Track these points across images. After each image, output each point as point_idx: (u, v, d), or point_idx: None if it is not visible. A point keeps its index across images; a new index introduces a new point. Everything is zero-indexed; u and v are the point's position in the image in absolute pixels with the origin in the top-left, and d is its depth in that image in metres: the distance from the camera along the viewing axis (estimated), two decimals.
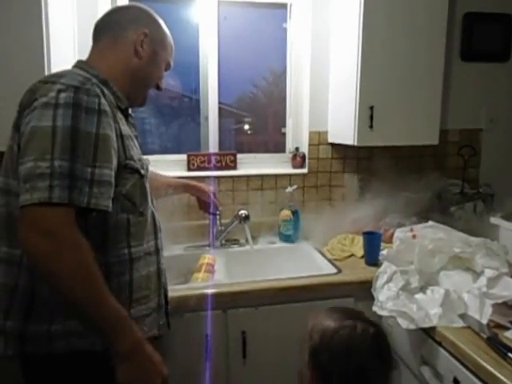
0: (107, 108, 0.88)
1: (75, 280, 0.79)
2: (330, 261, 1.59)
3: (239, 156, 1.90)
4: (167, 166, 1.79)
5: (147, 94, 1.10)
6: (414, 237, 1.38)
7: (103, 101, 0.87)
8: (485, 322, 1.06)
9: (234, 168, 1.88)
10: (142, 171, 0.99)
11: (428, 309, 1.14)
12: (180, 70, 1.82)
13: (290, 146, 1.99)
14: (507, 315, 1.08)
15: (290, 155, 1.96)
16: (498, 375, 0.89)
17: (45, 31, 1.34)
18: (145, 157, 1.08)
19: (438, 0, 1.64)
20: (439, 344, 1.09)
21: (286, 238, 1.80)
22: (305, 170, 1.93)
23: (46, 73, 1.32)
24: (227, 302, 1.33)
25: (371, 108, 1.61)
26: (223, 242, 1.77)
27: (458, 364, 1.01)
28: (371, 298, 1.27)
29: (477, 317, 1.08)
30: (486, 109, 2.02)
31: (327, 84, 1.87)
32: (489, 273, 1.15)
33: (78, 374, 0.90)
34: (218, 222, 1.74)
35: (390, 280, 1.26)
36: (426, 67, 1.66)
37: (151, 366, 0.88)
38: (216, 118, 1.90)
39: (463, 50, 1.96)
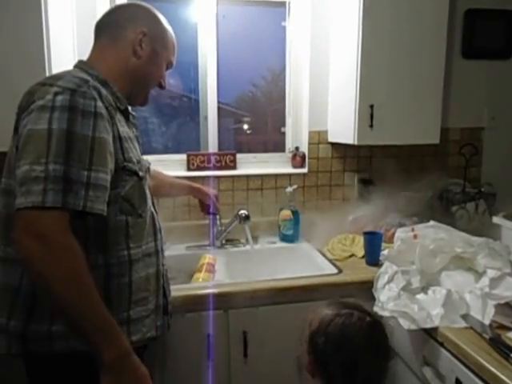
0: (103, 111, 0.87)
1: (65, 284, 0.78)
2: (330, 261, 1.59)
3: (239, 156, 1.89)
4: (167, 166, 1.79)
5: (149, 94, 1.10)
6: (415, 237, 1.37)
7: (99, 104, 0.86)
8: (487, 322, 1.05)
9: (234, 168, 1.87)
10: (141, 173, 0.98)
11: (430, 309, 1.13)
12: (179, 70, 1.82)
13: (289, 145, 1.98)
14: (510, 316, 1.07)
15: (290, 155, 1.95)
16: (501, 376, 0.88)
17: (45, 31, 1.34)
18: (144, 157, 1.08)
19: None
20: (441, 345, 1.08)
21: (286, 238, 1.80)
22: (305, 170, 1.92)
23: (47, 73, 1.32)
24: (228, 301, 1.32)
25: (371, 106, 1.60)
26: (223, 241, 1.77)
27: (460, 365, 1.00)
28: (372, 299, 1.26)
29: (479, 317, 1.07)
30: (487, 107, 2.00)
31: (327, 82, 1.86)
32: (491, 273, 1.14)
33: (78, 375, 0.89)
34: (218, 222, 1.74)
35: (391, 280, 1.25)
36: (426, 64, 1.65)
37: (135, 381, 0.85)
38: (215, 118, 1.89)
39: (464, 48, 1.94)
